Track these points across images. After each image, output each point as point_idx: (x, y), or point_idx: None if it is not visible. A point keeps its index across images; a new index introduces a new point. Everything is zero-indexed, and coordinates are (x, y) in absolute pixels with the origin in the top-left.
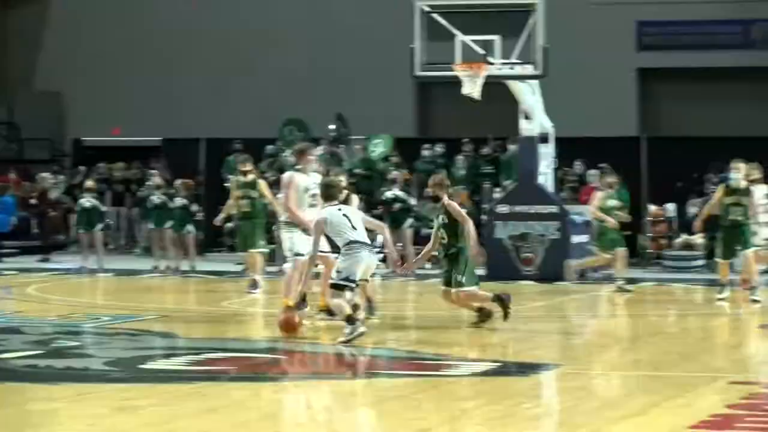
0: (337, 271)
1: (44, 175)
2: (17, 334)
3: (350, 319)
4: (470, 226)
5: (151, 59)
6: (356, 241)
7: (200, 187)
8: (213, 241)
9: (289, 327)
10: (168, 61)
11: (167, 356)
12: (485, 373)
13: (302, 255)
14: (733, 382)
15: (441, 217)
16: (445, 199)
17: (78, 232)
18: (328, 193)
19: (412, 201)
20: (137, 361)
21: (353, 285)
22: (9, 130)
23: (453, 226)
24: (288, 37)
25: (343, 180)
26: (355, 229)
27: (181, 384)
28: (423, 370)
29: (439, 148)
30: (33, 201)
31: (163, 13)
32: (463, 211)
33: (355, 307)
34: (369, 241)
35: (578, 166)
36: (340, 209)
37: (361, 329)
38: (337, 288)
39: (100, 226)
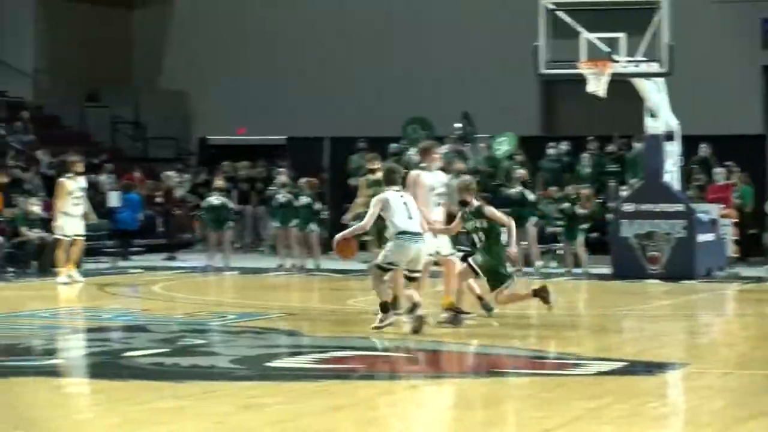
0: (385, 256)
1: (169, 173)
2: (144, 332)
3: (384, 307)
4: (512, 226)
5: (276, 58)
6: (407, 231)
7: (324, 185)
8: None
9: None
10: (293, 60)
11: (293, 354)
12: (611, 372)
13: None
14: None
15: (477, 221)
16: (483, 204)
17: (206, 230)
18: (390, 178)
19: (533, 198)
20: (263, 359)
21: (394, 268)
22: (135, 130)
23: (490, 228)
24: (413, 35)
25: (470, 180)
26: (411, 218)
27: (307, 382)
28: (548, 369)
29: (563, 146)
30: (159, 199)
31: (288, 12)
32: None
33: (414, 306)
34: (421, 232)
35: (703, 148)
36: (402, 195)
37: (391, 320)
38: (382, 270)
39: (229, 224)
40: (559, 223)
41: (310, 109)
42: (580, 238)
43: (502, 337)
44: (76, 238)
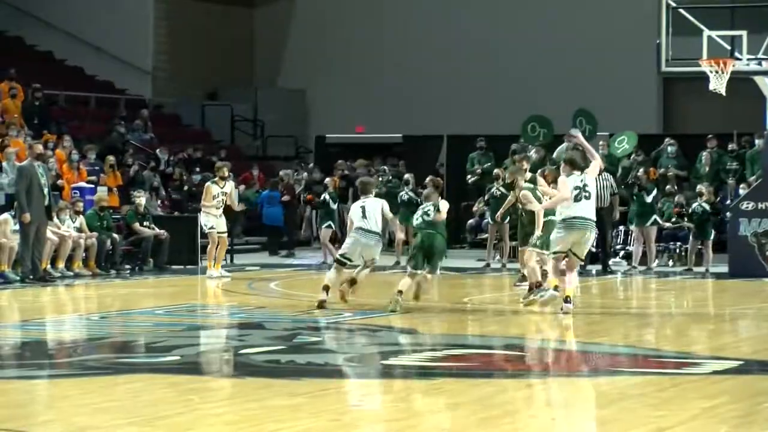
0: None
1: (287, 171)
2: (260, 329)
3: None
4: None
5: (392, 58)
6: (360, 228)
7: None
8: (456, 237)
9: None
10: (409, 59)
11: (408, 352)
12: (726, 372)
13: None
14: None
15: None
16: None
17: (321, 227)
18: (363, 189)
19: (649, 199)
20: (378, 357)
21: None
22: (254, 128)
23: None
24: (531, 34)
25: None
26: (364, 218)
27: (421, 380)
28: (664, 368)
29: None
30: (285, 197)
31: (405, 14)
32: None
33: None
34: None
35: None
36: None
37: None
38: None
39: (328, 222)
40: (683, 222)
41: (427, 108)
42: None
43: (618, 336)
44: (220, 236)
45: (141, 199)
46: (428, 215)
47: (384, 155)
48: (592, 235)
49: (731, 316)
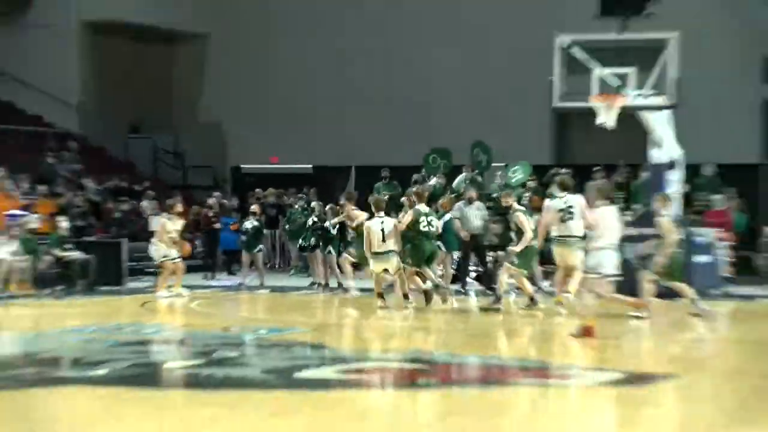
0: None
1: (211, 201)
2: (181, 345)
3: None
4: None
5: (306, 92)
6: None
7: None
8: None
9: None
10: (319, 95)
11: (318, 365)
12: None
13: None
14: None
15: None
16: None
17: (252, 251)
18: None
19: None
20: (291, 370)
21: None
22: (175, 159)
23: (519, 232)
24: (434, 70)
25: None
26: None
27: (332, 391)
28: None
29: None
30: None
31: (314, 50)
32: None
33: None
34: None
35: (708, 168)
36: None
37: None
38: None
39: (260, 247)
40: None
41: (337, 140)
42: None
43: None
44: (175, 262)
45: (64, 224)
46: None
47: (297, 185)
48: (578, 251)
49: (616, 333)
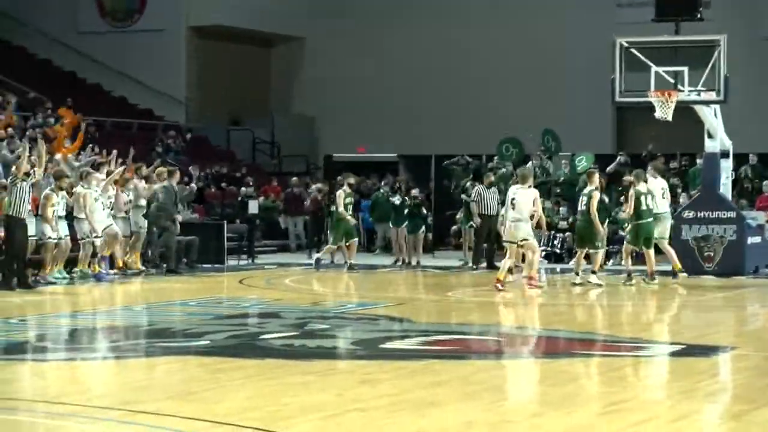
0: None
1: (319, 186)
2: (276, 318)
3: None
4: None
5: (389, 86)
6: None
7: (431, 195)
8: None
9: None
10: (405, 88)
11: (402, 338)
12: (672, 354)
13: None
14: None
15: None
16: None
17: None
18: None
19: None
20: (377, 341)
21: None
22: (271, 149)
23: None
24: (508, 67)
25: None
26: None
27: (413, 361)
28: (618, 351)
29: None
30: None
31: (401, 47)
32: None
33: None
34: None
35: (752, 157)
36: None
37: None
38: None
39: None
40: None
41: (420, 130)
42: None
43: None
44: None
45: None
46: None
47: (382, 172)
48: None
49: (676, 306)
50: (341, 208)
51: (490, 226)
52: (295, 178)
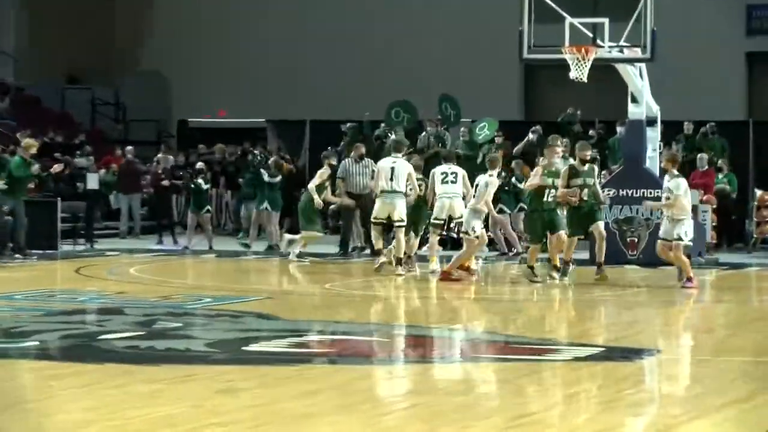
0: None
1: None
2: (119, 315)
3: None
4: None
5: (258, 40)
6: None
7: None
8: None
9: None
10: (274, 42)
11: (269, 339)
12: (588, 358)
13: None
14: None
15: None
16: None
17: (189, 212)
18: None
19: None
20: (239, 343)
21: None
22: (116, 111)
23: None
24: (396, 19)
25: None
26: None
27: (282, 366)
28: (526, 354)
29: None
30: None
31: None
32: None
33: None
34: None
35: (686, 125)
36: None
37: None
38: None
39: (208, 208)
40: None
41: (290, 93)
42: None
43: (483, 323)
44: None
45: None
46: None
47: (251, 139)
48: None
49: (592, 302)
50: (315, 192)
51: (362, 206)
52: (130, 147)
